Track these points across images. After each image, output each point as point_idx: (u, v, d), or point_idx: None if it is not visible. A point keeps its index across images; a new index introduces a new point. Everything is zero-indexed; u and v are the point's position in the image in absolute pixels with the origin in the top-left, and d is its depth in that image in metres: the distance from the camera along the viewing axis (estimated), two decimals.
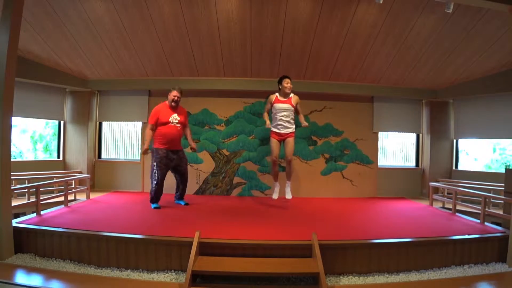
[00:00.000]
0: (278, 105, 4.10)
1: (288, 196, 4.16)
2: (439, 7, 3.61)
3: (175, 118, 4.01)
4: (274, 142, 4.14)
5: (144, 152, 3.90)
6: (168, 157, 3.98)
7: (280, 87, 4.15)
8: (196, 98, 5.29)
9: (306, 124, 4.06)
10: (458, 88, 5.20)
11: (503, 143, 5.41)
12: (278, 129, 4.10)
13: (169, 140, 3.96)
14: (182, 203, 4.28)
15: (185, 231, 2.92)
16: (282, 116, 4.06)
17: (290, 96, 4.14)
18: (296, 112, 4.16)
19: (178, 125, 4.03)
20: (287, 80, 4.12)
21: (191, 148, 4.17)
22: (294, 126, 4.14)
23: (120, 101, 5.52)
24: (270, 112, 4.29)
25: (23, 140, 5.44)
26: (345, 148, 5.42)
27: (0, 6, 2.97)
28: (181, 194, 4.34)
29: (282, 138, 4.13)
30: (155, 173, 3.95)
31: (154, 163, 3.95)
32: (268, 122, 4.16)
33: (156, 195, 4.03)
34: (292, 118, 4.12)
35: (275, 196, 4.24)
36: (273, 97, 4.19)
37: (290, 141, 4.09)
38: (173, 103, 4.01)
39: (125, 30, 4.24)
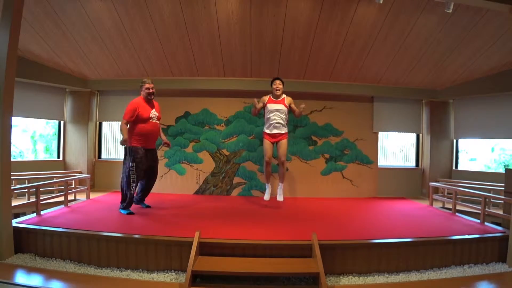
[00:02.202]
0: (271, 105, 4.09)
1: (280, 198, 4.14)
2: (439, 7, 3.61)
3: (154, 114, 3.74)
4: (267, 143, 4.11)
5: (123, 143, 3.49)
6: (147, 157, 3.72)
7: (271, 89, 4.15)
8: (196, 98, 5.29)
9: (303, 105, 3.95)
10: (458, 88, 5.21)
11: (503, 143, 5.40)
12: (271, 129, 4.08)
13: (149, 138, 3.71)
14: (144, 205, 4.00)
15: (185, 231, 2.92)
16: (275, 116, 4.04)
17: (283, 97, 4.13)
18: (292, 110, 4.12)
19: (157, 121, 3.78)
20: (277, 81, 4.11)
21: (165, 144, 3.89)
22: (286, 128, 4.12)
23: (120, 101, 5.50)
24: (262, 112, 4.25)
25: (23, 140, 5.43)
26: (345, 148, 5.42)
27: (0, 6, 2.97)
28: (144, 196, 4.02)
29: (275, 140, 4.09)
30: (133, 174, 3.59)
31: (133, 164, 3.58)
32: (255, 108, 4.07)
33: (131, 200, 3.69)
34: (285, 119, 4.09)
35: (266, 197, 4.21)
36: (266, 97, 4.18)
37: (283, 143, 4.06)
38: (149, 97, 3.72)
39: (125, 30, 4.24)
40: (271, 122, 4.06)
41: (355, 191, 5.42)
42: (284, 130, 4.08)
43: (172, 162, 5.31)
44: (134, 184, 3.62)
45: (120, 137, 3.66)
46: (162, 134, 3.97)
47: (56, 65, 4.87)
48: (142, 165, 3.65)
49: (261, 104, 4.19)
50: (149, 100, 3.76)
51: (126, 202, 3.67)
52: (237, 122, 5.33)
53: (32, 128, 5.49)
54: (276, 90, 4.08)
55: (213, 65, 4.90)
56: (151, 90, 3.73)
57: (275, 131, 4.06)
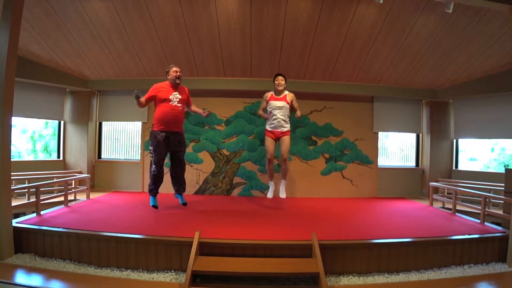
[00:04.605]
0: (273, 103, 4.06)
1: (283, 195, 4.11)
2: (439, 7, 3.61)
3: (176, 96, 3.70)
4: (269, 140, 4.08)
5: (136, 95, 3.53)
6: (167, 140, 3.69)
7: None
8: (196, 98, 5.26)
9: (299, 115, 3.98)
10: (458, 88, 5.20)
11: (503, 143, 5.40)
12: (273, 127, 4.06)
13: (168, 121, 3.67)
14: (180, 200, 4.02)
15: (185, 231, 2.92)
16: (277, 113, 4.02)
17: (285, 93, 4.10)
18: (293, 108, 4.10)
19: (179, 104, 3.72)
20: (279, 77, 4.08)
21: (204, 115, 3.89)
22: (289, 125, 4.10)
23: (120, 101, 5.51)
24: (265, 111, 4.22)
25: (23, 140, 5.44)
26: (345, 148, 5.42)
27: (0, 6, 2.96)
28: (179, 180, 3.96)
29: (277, 137, 4.08)
30: (152, 157, 3.69)
31: (151, 148, 3.69)
32: (262, 113, 4.15)
33: (155, 183, 3.75)
34: (287, 116, 4.07)
35: (270, 195, 4.19)
36: (268, 94, 4.16)
37: (286, 139, 4.04)
38: (177, 81, 3.72)
39: (125, 30, 4.24)
40: (273, 119, 4.05)
41: (355, 191, 5.42)
42: (286, 128, 4.06)
43: None
44: (154, 166, 3.69)
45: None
46: (198, 109, 4.00)
47: (56, 65, 4.87)
48: (159, 149, 3.68)
49: (264, 103, 4.18)
50: (175, 85, 3.76)
51: (149, 186, 3.79)
52: (237, 122, 5.32)
53: (30, 128, 5.49)
54: (278, 85, 4.04)
55: (213, 65, 4.90)
56: (178, 74, 3.74)
57: (277, 129, 4.05)
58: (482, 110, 5.19)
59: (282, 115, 4.02)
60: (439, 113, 5.60)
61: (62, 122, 5.47)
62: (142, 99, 3.67)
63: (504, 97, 4.85)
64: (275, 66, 4.89)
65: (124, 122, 5.64)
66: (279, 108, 4.03)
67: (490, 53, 4.31)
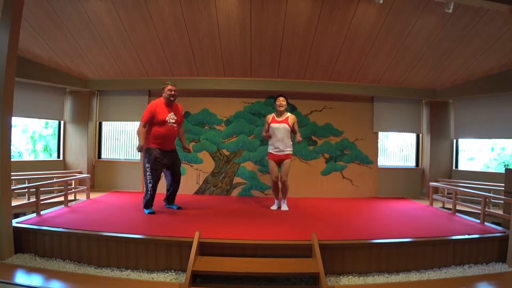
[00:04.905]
0: (274, 125, 4.05)
1: (284, 208, 4.16)
2: (439, 7, 3.62)
3: (172, 117, 3.74)
4: (272, 164, 4.10)
5: (140, 149, 3.57)
6: (163, 157, 3.73)
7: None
8: (196, 98, 5.29)
9: (300, 139, 4.00)
10: (458, 88, 5.20)
11: (503, 143, 5.40)
12: (274, 150, 4.06)
13: (164, 140, 3.72)
14: (175, 207, 4.01)
15: (185, 231, 2.92)
16: (278, 136, 4.01)
17: (287, 115, 4.10)
18: (294, 131, 4.09)
19: (175, 125, 3.78)
20: (280, 98, 4.08)
21: (185, 150, 3.94)
22: (291, 147, 4.08)
23: (120, 101, 5.52)
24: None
25: (23, 140, 5.43)
26: (345, 148, 5.42)
27: (0, 6, 2.97)
28: (172, 196, 4.04)
29: (278, 160, 4.07)
30: (149, 175, 3.66)
31: (148, 165, 3.66)
32: (265, 134, 4.13)
33: (151, 200, 3.75)
34: (288, 139, 4.05)
35: (274, 208, 4.23)
36: (270, 117, 4.15)
37: (286, 163, 4.04)
38: (171, 98, 3.72)
39: (125, 30, 4.24)
40: (275, 142, 4.05)
41: (355, 191, 5.42)
42: (287, 151, 4.05)
43: None
44: (151, 185, 3.67)
45: (137, 141, 3.80)
46: (183, 139, 4.00)
47: (56, 65, 4.87)
48: (157, 166, 3.69)
49: (266, 126, 4.17)
50: (169, 102, 3.76)
51: (146, 201, 3.75)
52: (237, 122, 5.32)
53: (30, 128, 5.49)
54: (280, 106, 4.04)
55: (213, 65, 4.90)
56: (173, 92, 3.72)
57: (278, 152, 4.05)
58: (482, 110, 5.19)
59: (283, 138, 4.02)
60: (439, 113, 5.60)
61: (62, 122, 5.47)
62: (142, 127, 3.66)
63: (504, 97, 4.85)
64: (275, 66, 4.90)
65: (124, 122, 5.64)
66: (280, 130, 4.03)
67: (490, 53, 4.31)
